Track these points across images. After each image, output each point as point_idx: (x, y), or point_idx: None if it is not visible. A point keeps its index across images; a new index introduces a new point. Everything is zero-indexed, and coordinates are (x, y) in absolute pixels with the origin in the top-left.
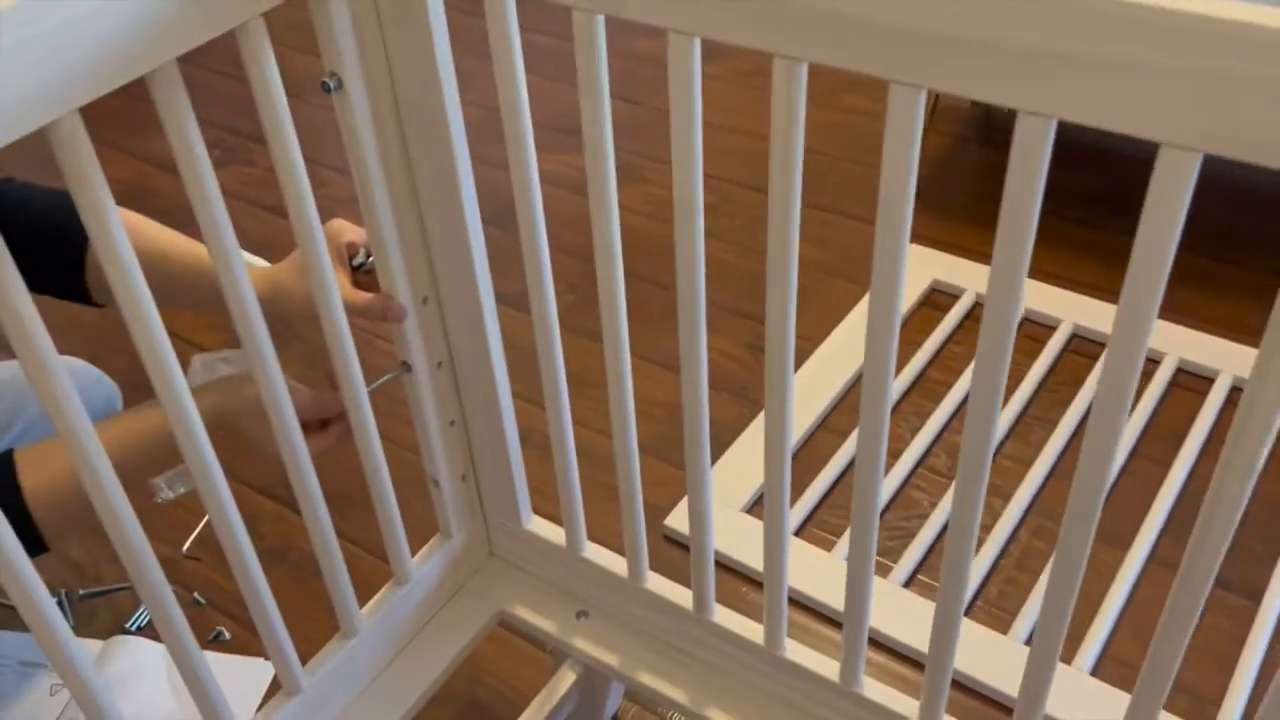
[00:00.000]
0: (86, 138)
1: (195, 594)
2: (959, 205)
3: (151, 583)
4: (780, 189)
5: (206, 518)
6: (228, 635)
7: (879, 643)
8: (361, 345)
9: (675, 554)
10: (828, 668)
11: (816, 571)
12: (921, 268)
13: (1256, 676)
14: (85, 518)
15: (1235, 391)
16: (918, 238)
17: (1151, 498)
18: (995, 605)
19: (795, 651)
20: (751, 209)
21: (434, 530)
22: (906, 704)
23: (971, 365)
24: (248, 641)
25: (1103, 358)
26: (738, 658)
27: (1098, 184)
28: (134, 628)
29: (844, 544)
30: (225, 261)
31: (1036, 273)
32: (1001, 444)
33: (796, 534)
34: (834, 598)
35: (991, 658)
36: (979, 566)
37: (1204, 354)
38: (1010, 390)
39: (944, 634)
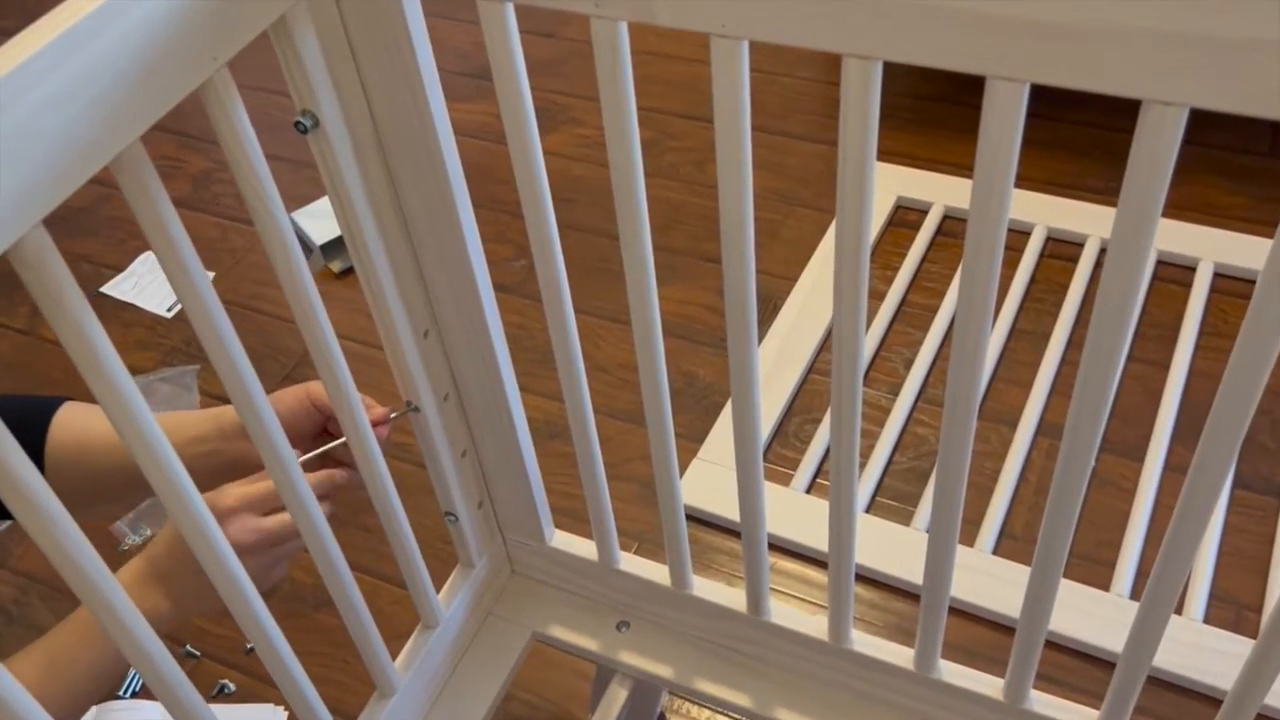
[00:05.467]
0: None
1: (186, 646)
2: (911, 113)
3: (148, 653)
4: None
5: None
6: (233, 687)
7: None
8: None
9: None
10: (901, 656)
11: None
12: (884, 185)
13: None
14: (96, 485)
15: (1217, 278)
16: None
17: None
18: (1022, 539)
19: (863, 643)
20: (696, 139)
21: (437, 541)
22: (990, 683)
23: (955, 284)
24: (256, 690)
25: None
26: (798, 654)
27: None
28: (127, 694)
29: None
30: (227, 359)
31: None
32: (997, 367)
33: (808, 490)
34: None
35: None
36: (999, 500)
37: (1182, 242)
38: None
39: (938, 573)
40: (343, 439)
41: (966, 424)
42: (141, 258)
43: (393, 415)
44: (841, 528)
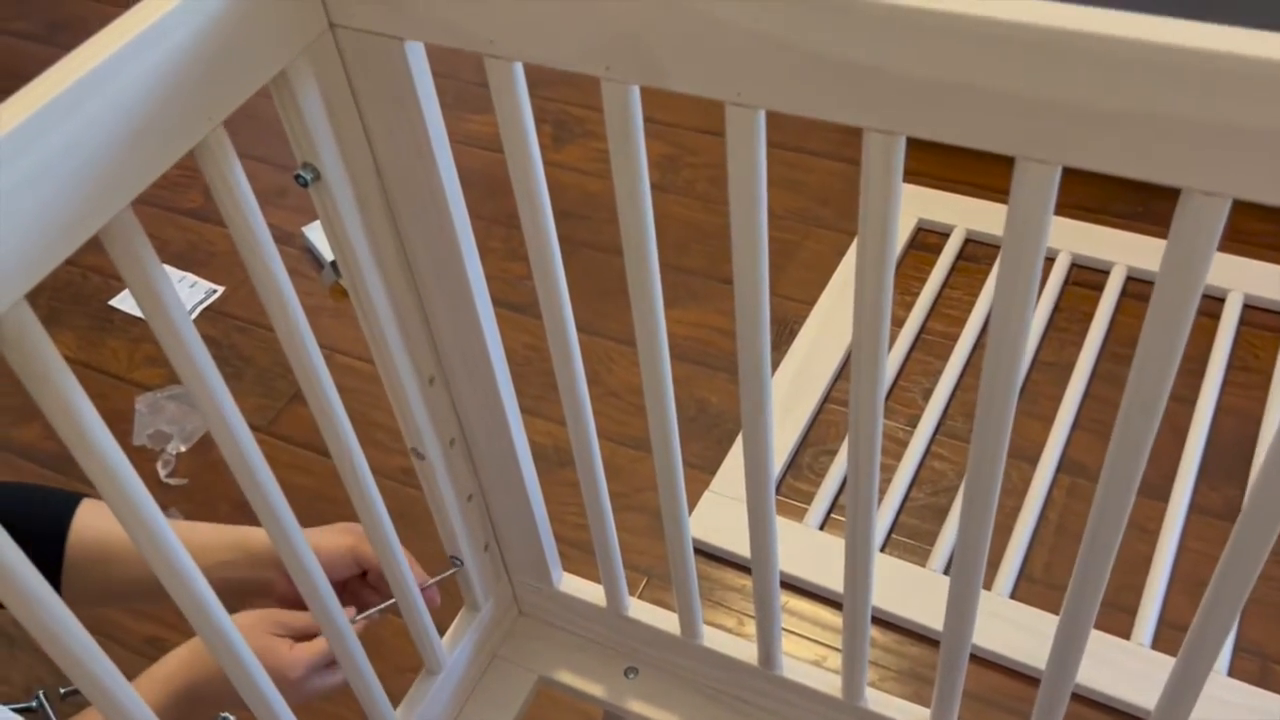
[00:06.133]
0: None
1: None
2: None
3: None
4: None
5: None
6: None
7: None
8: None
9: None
10: (917, 716)
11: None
12: (903, 206)
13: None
14: (122, 591)
15: (1247, 309)
16: None
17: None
18: (1042, 582)
19: (877, 701)
20: (714, 154)
21: (447, 568)
22: None
23: (975, 312)
24: None
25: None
26: (810, 709)
27: None
28: None
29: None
30: (219, 417)
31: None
32: (1018, 399)
33: (821, 527)
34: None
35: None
36: (1018, 540)
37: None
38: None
39: (958, 621)
40: (392, 600)
41: (989, 493)
42: None
43: (433, 580)
44: (857, 583)
